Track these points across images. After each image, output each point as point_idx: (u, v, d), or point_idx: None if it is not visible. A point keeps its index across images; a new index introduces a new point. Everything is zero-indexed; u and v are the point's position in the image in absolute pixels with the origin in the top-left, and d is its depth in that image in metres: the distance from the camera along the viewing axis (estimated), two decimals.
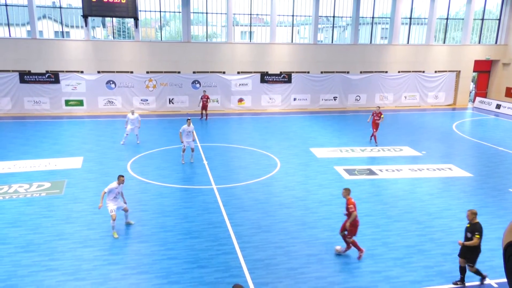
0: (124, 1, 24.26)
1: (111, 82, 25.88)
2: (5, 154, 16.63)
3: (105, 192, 10.25)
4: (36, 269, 8.76)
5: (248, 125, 23.71)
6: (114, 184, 10.34)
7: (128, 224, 10.78)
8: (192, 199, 12.73)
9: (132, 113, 18.64)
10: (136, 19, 25.27)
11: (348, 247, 9.52)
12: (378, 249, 9.86)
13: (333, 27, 29.57)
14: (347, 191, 9.37)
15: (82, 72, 25.45)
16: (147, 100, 26.56)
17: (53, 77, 24.89)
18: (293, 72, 28.31)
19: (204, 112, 24.70)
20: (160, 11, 26.56)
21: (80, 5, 24.34)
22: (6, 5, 24.26)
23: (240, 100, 27.86)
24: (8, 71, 24.35)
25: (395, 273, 8.96)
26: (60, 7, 25.17)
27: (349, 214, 9.19)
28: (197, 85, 26.96)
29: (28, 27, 24.88)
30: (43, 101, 25.03)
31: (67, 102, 25.48)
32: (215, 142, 19.43)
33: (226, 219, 11.39)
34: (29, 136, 19.78)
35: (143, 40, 26.47)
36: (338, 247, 9.61)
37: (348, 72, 29.15)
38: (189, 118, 16.04)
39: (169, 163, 16.27)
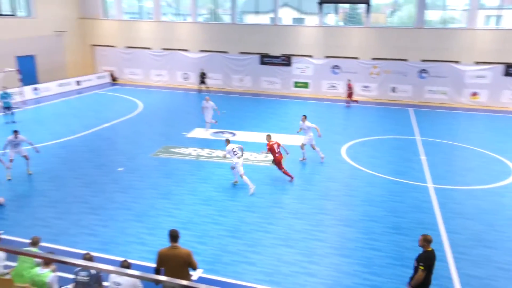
0: None
1: (336, 67, 26.71)
2: (242, 125, 19.34)
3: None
4: (255, 228, 10.01)
5: (480, 123, 20.88)
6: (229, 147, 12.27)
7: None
8: (403, 194, 12.16)
9: (207, 100, 17.91)
10: (368, 4, 25.13)
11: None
12: None
13: None
14: (268, 136, 13.10)
15: (311, 56, 27.08)
16: (368, 87, 26.38)
17: (287, 60, 27.35)
18: None
19: (350, 99, 24.09)
20: None
21: None
22: None
23: (474, 94, 24.66)
24: (252, 53, 28.00)
25: None
26: None
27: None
28: (424, 75, 25.16)
29: (272, 15, 27.87)
30: (276, 82, 27.90)
31: (295, 84, 27.68)
32: (438, 138, 17.86)
33: (440, 222, 10.45)
34: (261, 112, 22.40)
35: (372, 26, 26.17)
36: None
37: None
38: (304, 114, 15.18)
39: (383, 152, 15.90)
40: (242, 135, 17.71)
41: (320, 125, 19.83)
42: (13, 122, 18.21)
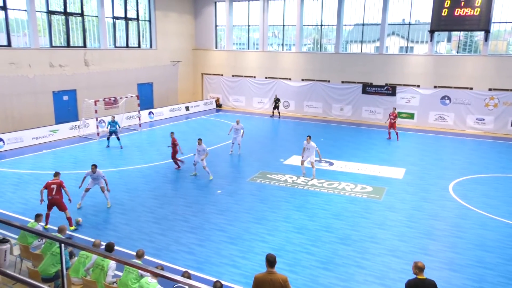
0: (477, 13, 22.79)
1: (446, 98, 25.02)
2: (340, 155, 18.97)
3: None
4: (349, 262, 9.59)
5: None
6: None
7: None
8: None
9: (238, 123, 18.68)
10: (487, 31, 23.28)
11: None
12: None
13: None
14: (172, 133, 16.80)
15: (418, 86, 25.78)
16: (483, 119, 24.16)
17: (391, 90, 26.40)
18: None
19: (392, 130, 21.98)
20: None
21: (429, 20, 24.62)
22: (363, 25, 27.47)
23: None
24: (354, 82, 27.59)
25: None
26: (409, 24, 26.25)
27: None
28: None
29: (377, 43, 27.30)
30: (377, 111, 27.01)
31: (399, 114, 26.41)
32: None
33: None
34: (361, 142, 21.77)
35: (490, 55, 24.09)
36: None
37: None
38: (309, 135, 15.83)
39: (500, 192, 14.27)
40: (340, 165, 17.34)
41: (427, 158, 18.64)
42: (120, 147, 19.66)
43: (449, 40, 27.48)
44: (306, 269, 9.24)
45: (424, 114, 25.67)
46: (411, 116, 26.11)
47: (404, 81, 26.11)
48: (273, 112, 28.87)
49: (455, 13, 23.29)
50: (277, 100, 28.56)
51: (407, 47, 26.92)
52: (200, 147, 15.43)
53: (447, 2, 23.37)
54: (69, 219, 11.10)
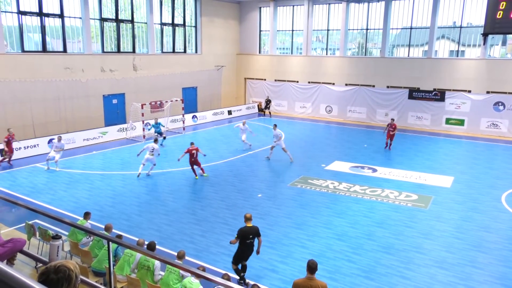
0: None
1: (499, 104, 23.77)
2: (384, 161, 18.49)
3: None
4: (392, 272, 9.29)
5: None
6: None
7: None
8: None
9: (244, 124, 20.50)
10: None
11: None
12: None
13: None
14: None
15: (469, 91, 24.67)
16: None
17: (439, 95, 25.44)
18: None
19: (389, 141, 20.62)
20: None
21: (481, 23, 23.54)
22: (411, 28, 26.69)
23: None
24: (400, 87, 26.82)
25: None
26: (461, 27, 25.21)
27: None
28: None
29: (426, 47, 26.40)
30: (424, 117, 26.10)
31: (447, 120, 25.47)
32: None
33: None
34: (406, 148, 21.10)
35: None
36: None
37: None
38: (275, 123, 18.05)
39: None
40: (384, 171, 16.90)
41: (477, 166, 17.78)
42: (161, 145, 20.84)
43: (504, 43, 26.09)
44: (347, 277, 9.04)
45: (475, 120, 24.51)
46: (461, 122, 25.02)
47: (454, 86, 25.08)
48: (264, 112, 31.15)
49: (511, 15, 22.10)
50: (268, 101, 30.83)
51: (457, 51, 25.86)
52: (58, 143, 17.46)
53: (503, 4, 22.21)
54: (202, 169, 16.03)
